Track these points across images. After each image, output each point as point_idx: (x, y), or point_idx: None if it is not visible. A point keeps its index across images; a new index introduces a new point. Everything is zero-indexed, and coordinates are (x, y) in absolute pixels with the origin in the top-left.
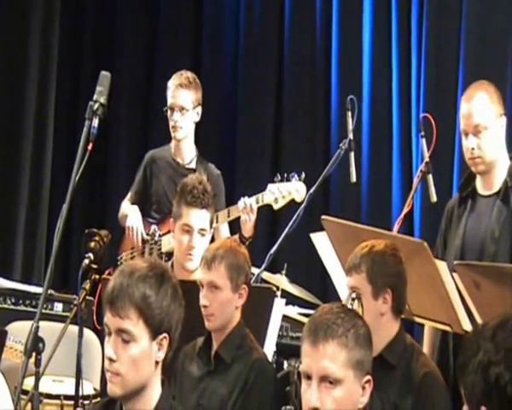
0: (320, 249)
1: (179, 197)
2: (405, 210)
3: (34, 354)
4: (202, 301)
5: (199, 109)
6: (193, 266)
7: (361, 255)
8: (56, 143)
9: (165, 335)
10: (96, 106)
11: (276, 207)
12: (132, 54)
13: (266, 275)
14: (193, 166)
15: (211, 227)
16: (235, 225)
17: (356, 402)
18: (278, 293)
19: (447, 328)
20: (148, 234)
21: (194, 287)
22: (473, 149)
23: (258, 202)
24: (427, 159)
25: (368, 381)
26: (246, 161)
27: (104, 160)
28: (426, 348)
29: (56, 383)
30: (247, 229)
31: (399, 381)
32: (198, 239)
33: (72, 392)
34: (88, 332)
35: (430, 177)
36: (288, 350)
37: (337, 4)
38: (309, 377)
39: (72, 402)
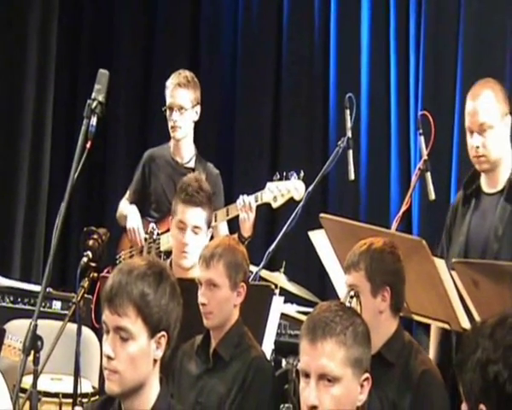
0: (318, 247)
1: (176, 195)
2: (404, 208)
3: (32, 352)
4: (201, 299)
5: (198, 108)
6: (187, 263)
7: (359, 253)
8: (54, 142)
9: (163, 333)
10: (95, 104)
11: (274, 205)
12: (130, 53)
13: (265, 273)
14: (192, 165)
15: (208, 226)
16: (234, 226)
17: (354, 400)
18: (277, 291)
19: (446, 326)
20: (146, 232)
21: (193, 285)
22: (477, 147)
23: (257, 201)
24: (425, 157)
25: (366, 379)
26: (244, 160)
27: (102, 158)
28: (432, 348)
29: (55, 381)
30: (246, 228)
31: (398, 379)
32: (191, 236)
33: (70, 390)
34: (86, 330)
35: (428, 175)
36: (287, 348)
37: (335, 3)
38: (307, 375)
39: (70, 400)
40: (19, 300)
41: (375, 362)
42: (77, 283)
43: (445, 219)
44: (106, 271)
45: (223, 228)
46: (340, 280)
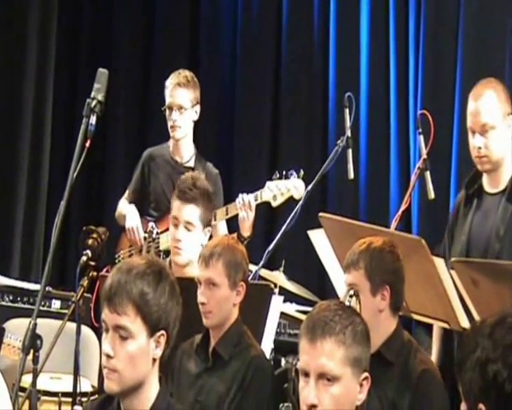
0: (318, 246)
1: (173, 193)
2: (403, 207)
3: (32, 351)
4: (200, 298)
5: (197, 108)
6: (179, 259)
7: (359, 252)
8: (54, 142)
9: (162, 332)
10: (94, 103)
11: (274, 204)
12: (129, 53)
13: (264, 272)
14: (191, 164)
15: (206, 225)
16: (233, 225)
17: (353, 399)
18: (276, 290)
19: (445, 325)
20: (145, 232)
21: (192, 284)
22: (479, 148)
23: (256, 200)
24: (424, 156)
25: (365, 378)
26: (244, 159)
27: (102, 158)
28: (435, 348)
29: (54, 380)
30: (246, 228)
31: (397, 378)
32: (183, 233)
33: (70, 389)
34: (86, 329)
35: (428, 174)
36: (286, 347)
37: (334, 3)
38: (307, 375)
39: (69, 399)
40: (18, 299)
41: (375, 361)
42: (76, 282)
43: (445, 218)
44: (105, 270)
45: (222, 227)
46: (340, 279)
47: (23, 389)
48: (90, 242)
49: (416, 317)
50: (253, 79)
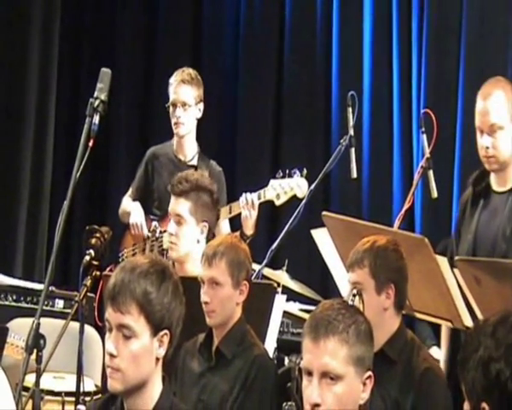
0: (321, 245)
1: None
2: (406, 206)
3: (35, 350)
4: (203, 297)
5: (201, 106)
6: (171, 254)
7: (363, 250)
8: (57, 141)
9: (165, 331)
10: (97, 103)
11: (277, 203)
12: (132, 53)
13: (267, 271)
14: (194, 162)
15: (198, 219)
16: (236, 224)
17: (357, 398)
18: (279, 289)
19: (448, 324)
20: (148, 230)
21: (195, 283)
22: (487, 147)
23: (260, 198)
24: (427, 155)
25: (369, 377)
26: (246, 158)
27: (105, 157)
28: (443, 348)
29: (57, 379)
30: (249, 226)
31: (400, 376)
32: (174, 226)
33: (73, 389)
34: (89, 329)
35: (431, 173)
36: (289, 346)
37: (337, 1)
38: (310, 374)
39: (73, 399)
40: (21, 298)
41: (378, 360)
42: (79, 281)
43: (448, 217)
44: (108, 269)
45: (225, 226)
46: (343, 278)
47: (26, 389)
48: (94, 241)
49: (419, 316)
50: (255, 79)
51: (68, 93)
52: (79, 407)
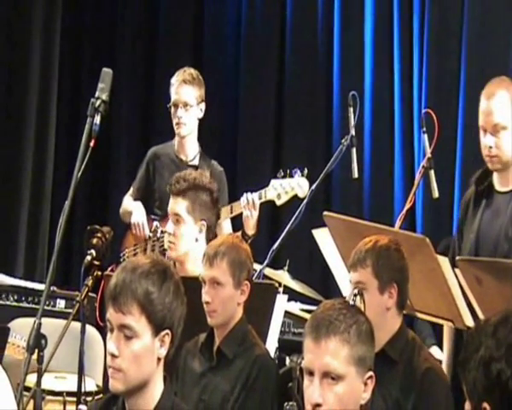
0: (322, 245)
1: None
2: (407, 206)
3: (36, 350)
4: (204, 297)
5: (202, 106)
6: (171, 254)
7: (366, 250)
8: (58, 141)
9: (167, 331)
10: (98, 103)
11: (278, 202)
12: (133, 52)
13: (268, 271)
14: (196, 162)
15: (196, 218)
16: (237, 224)
17: (358, 398)
18: (280, 289)
19: (449, 324)
20: (150, 231)
21: (197, 283)
22: (490, 147)
23: (260, 198)
24: (429, 154)
25: (370, 377)
26: (247, 158)
27: (106, 157)
28: (446, 348)
29: (59, 379)
30: (250, 226)
31: (401, 376)
32: (171, 225)
33: (74, 389)
34: (90, 329)
35: (432, 172)
36: (291, 346)
37: (339, 1)
38: (311, 374)
39: (74, 399)
40: (23, 298)
41: (379, 360)
42: (81, 281)
43: (449, 217)
44: (110, 269)
45: (226, 226)
46: (344, 278)
47: (28, 389)
48: (95, 241)
49: (420, 316)
50: (256, 79)
51: (69, 93)
52: (81, 407)
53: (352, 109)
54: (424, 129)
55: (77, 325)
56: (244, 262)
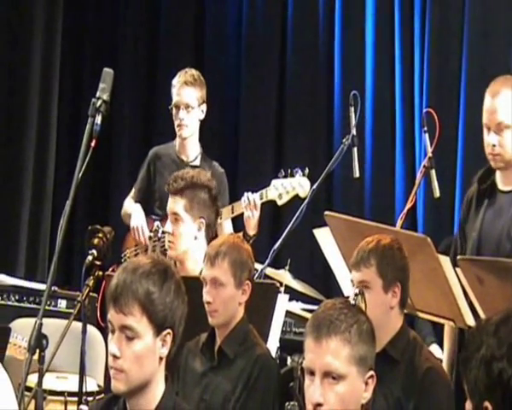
0: (323, 245)
1: None
2: (408, 205)
3: (38, 350)
4: (206, 297)
5: (204, 107)
6: (171, 253)
7: (369, 249)
8: (59, 141)
9: (168, 331)
10: (99, 103)
11: (279, 202)
12: (134, 53)
13: (270, 271)
14: (197, 163)
15: (195, 216)
16: (238, 224)
17: (359, 398)
18: (282, 289)
19: (450, 323)
20: (150, 231)
21: (198, 283)
22: (494, 145)
23: (261, 198)
24: (430, 154)
25: (371, 377)
26: (249, 158)
27: (107, 157)
28: (446, 347)
29: (60, 379)
30: (251, 226)
31: (402, 376)
32: (170, 225)
33: (75, 389)
34: (91, 329)
35: (433, 172)
36: (292, 346)
37: (340, 1)
38: (312, 373)
39: (75, 399)
40: (24, 298)
41: (380, 359)
42: (82, 281)
43: (450, 216)
44: (111, 269)
45: (227, 226)
46: (345, 278)
47: (29, 389)
48: (96, 241)
49: (421, 315)
50: (257, 79)
51: (70, 93)
52: (82, 407)
53: (353, 109)
54: (425, 128)
55: (78, 325)
56: (245, 262)
